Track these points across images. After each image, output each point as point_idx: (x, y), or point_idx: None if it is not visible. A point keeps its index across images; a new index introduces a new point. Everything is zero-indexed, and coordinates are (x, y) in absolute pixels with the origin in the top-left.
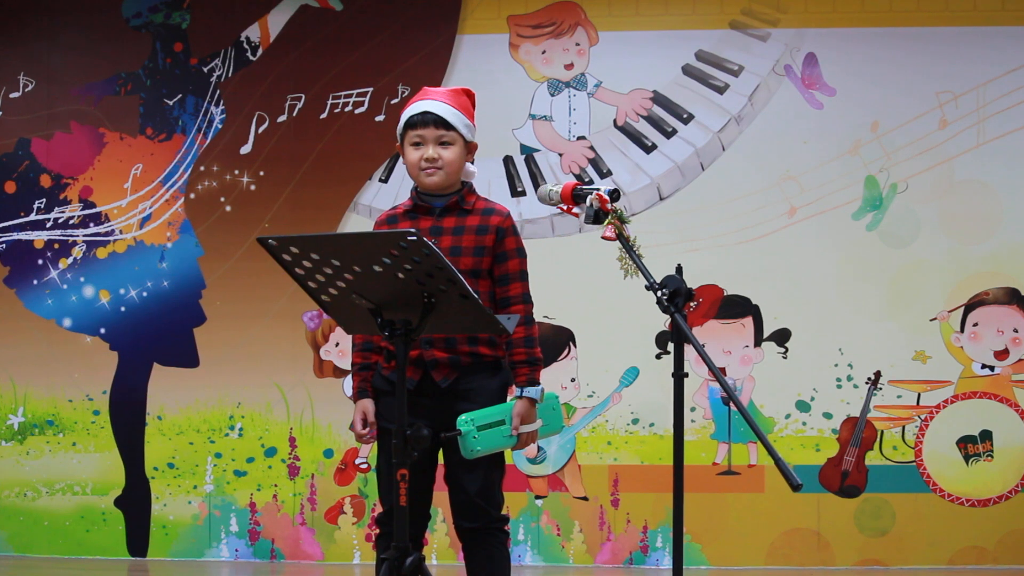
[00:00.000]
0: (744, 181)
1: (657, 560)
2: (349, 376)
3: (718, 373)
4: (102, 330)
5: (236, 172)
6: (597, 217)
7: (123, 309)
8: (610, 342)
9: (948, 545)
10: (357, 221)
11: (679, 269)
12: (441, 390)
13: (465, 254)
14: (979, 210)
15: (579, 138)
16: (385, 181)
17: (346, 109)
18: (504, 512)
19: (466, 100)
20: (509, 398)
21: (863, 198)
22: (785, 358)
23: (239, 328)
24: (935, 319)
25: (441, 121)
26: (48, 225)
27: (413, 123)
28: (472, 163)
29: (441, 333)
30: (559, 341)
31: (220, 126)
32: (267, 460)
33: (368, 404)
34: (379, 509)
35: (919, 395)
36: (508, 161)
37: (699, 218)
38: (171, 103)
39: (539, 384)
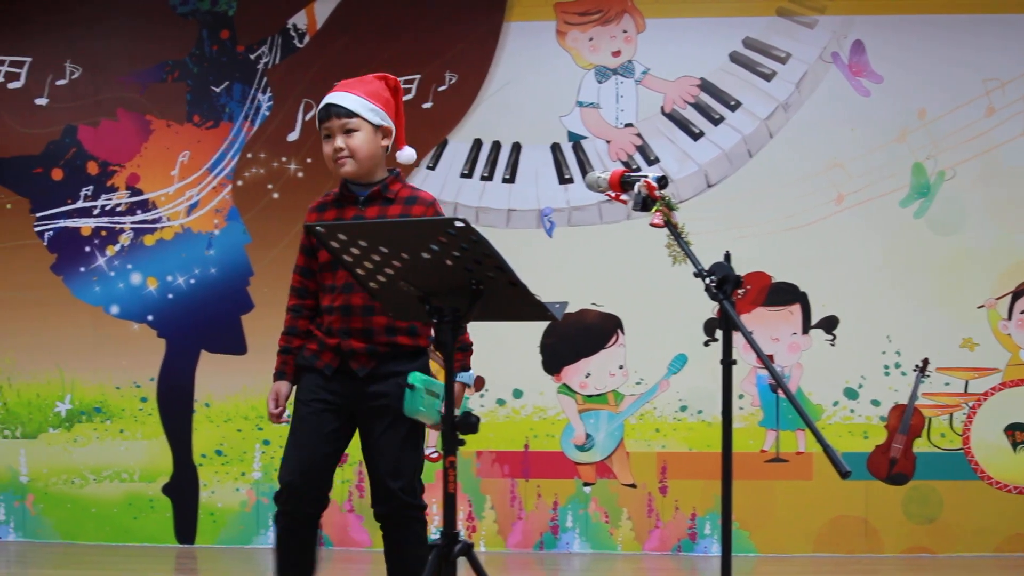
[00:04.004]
0: (791, 168)
1: (705, 547)
2: None
3: (766, 360)
4: (150, 317)
5: (283, 159)
6: (645, 204)
7: (171, 296)
8: (658, 329)
9: (996, 532)
10: None
11: (727, 256)
12: (359, 377)
13: None
14: None
15: (626, 125)
16: (433, 168)
17: None
18: (422, 499)
19: (379, 85)
20: None
21: (910, 185)
22: (833, 345)
23: None
24: (982, 306)
25: (343, 111)
26: (95, 212)
27: (321, 118)
28: (402, 148)
29: (489, 320)
30: (607, 328)
31: (267, 113)
32: None
33: (282, 386)
34: (427, 496)
35: (967, 382)
36: (556, 148)
37: (747, 205)
38: (218, 90)
39: (471, 370)
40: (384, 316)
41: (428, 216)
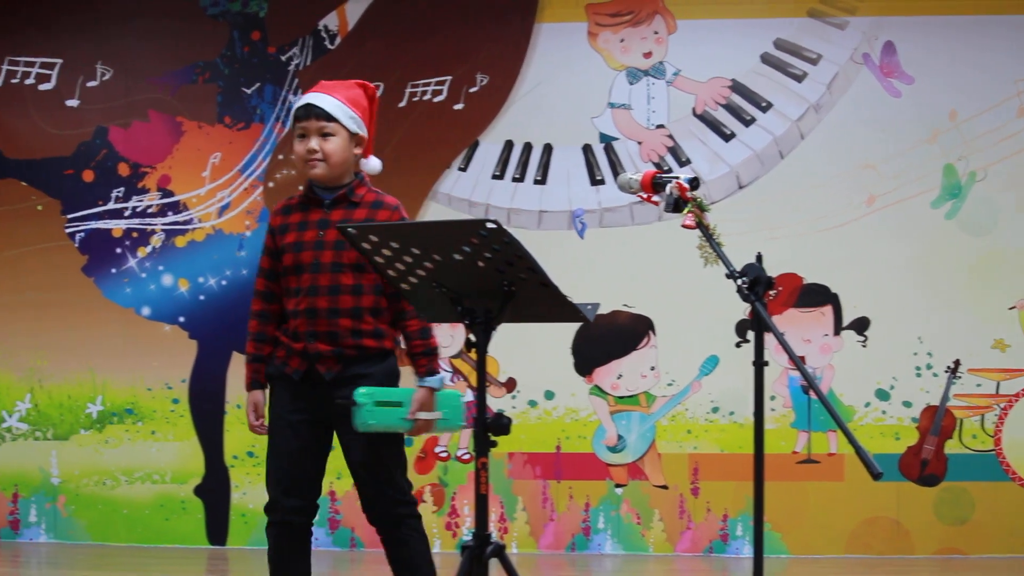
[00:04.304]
0: (822, 170)
1: (737, 549)
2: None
3: (798, 361)
4: (181, 319)
5: None
6: (677, 205)
7: (202, 298)
8: (690, 330)
9: None
10: (436, 210)
11: (759, 257)
12: (326, 381)
13: (351, 247)
14: None
15: (658, 126)
16: (464, 170)
17: (424, 98)
18: (411, 495)
19: (358, 93)
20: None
21: (942, 186)
22: (864, 347)
23: None
24: (1014, 307)
25: (323, 113)
26: (126, 214)
27: (298, 116)
28: (368, 157)
29: (520, 321)
30: (638, 329)
31: None
32: None
33: (259, 396)
34: (459, 497)
35: (998, 383)
36: (587, 149)
37: (778, 206)
38: (249, 92)
39: (438, 373)
40: (349, 319)
41: (394, 220)
